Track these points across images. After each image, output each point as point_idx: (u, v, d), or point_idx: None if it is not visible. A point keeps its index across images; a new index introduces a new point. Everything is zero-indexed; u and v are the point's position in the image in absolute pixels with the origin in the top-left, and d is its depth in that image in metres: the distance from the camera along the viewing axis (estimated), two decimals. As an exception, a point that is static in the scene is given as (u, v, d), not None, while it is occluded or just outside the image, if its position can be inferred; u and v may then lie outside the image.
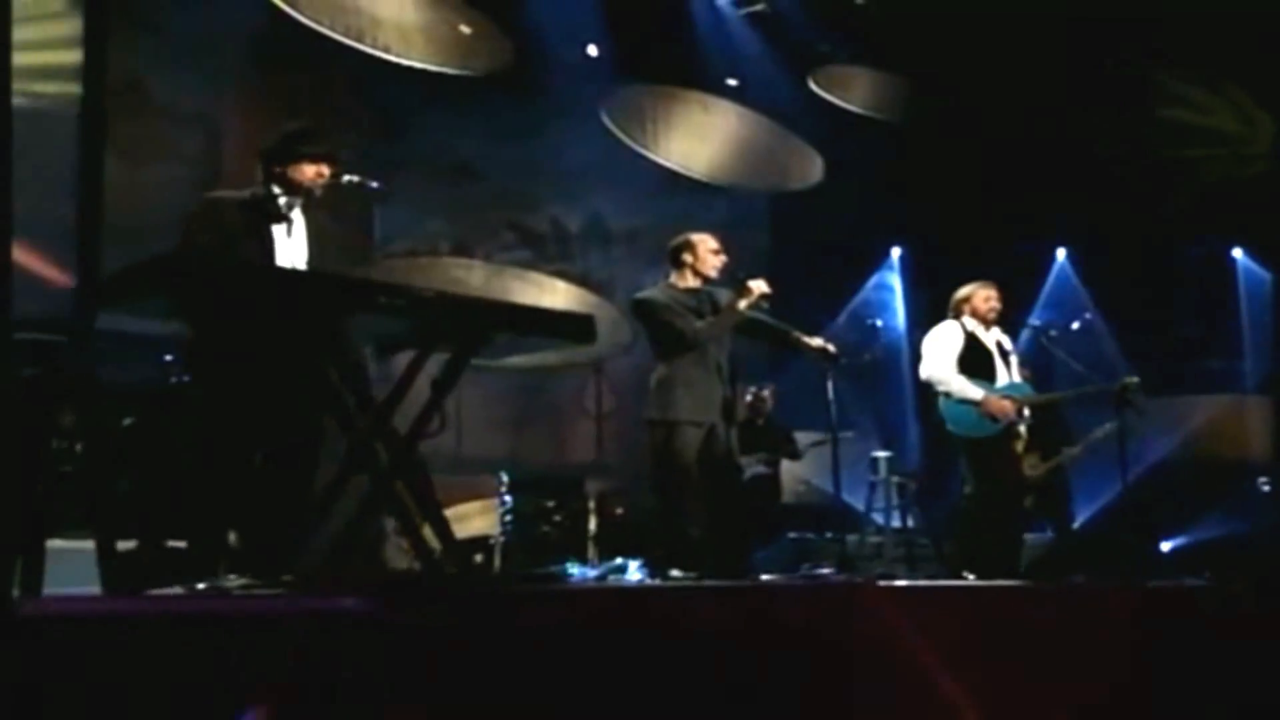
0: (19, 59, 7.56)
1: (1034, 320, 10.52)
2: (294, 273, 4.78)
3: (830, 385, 7.09)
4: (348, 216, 10.51)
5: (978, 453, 7.46)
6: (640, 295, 6.82)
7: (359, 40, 9.79)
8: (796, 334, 6.79)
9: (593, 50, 11.21)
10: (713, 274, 6.69)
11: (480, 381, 10.70)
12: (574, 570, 7.72)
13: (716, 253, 6.74)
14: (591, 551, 9.12)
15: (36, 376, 4.96)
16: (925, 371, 7.53)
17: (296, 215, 5.21)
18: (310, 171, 5.13)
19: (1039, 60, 10.91)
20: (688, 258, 6.71)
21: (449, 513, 9.32)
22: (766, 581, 5.71)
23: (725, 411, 6.55)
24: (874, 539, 9.40)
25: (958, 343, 7.50)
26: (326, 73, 10.04)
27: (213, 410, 4.97)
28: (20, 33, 7.69)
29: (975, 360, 7.49)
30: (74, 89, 9.20)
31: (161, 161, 9.76)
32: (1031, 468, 9.11)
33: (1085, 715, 4.09)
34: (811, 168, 12.28)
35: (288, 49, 9.74)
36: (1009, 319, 8.78)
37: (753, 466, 9.57)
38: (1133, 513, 10.63)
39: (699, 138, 12.04)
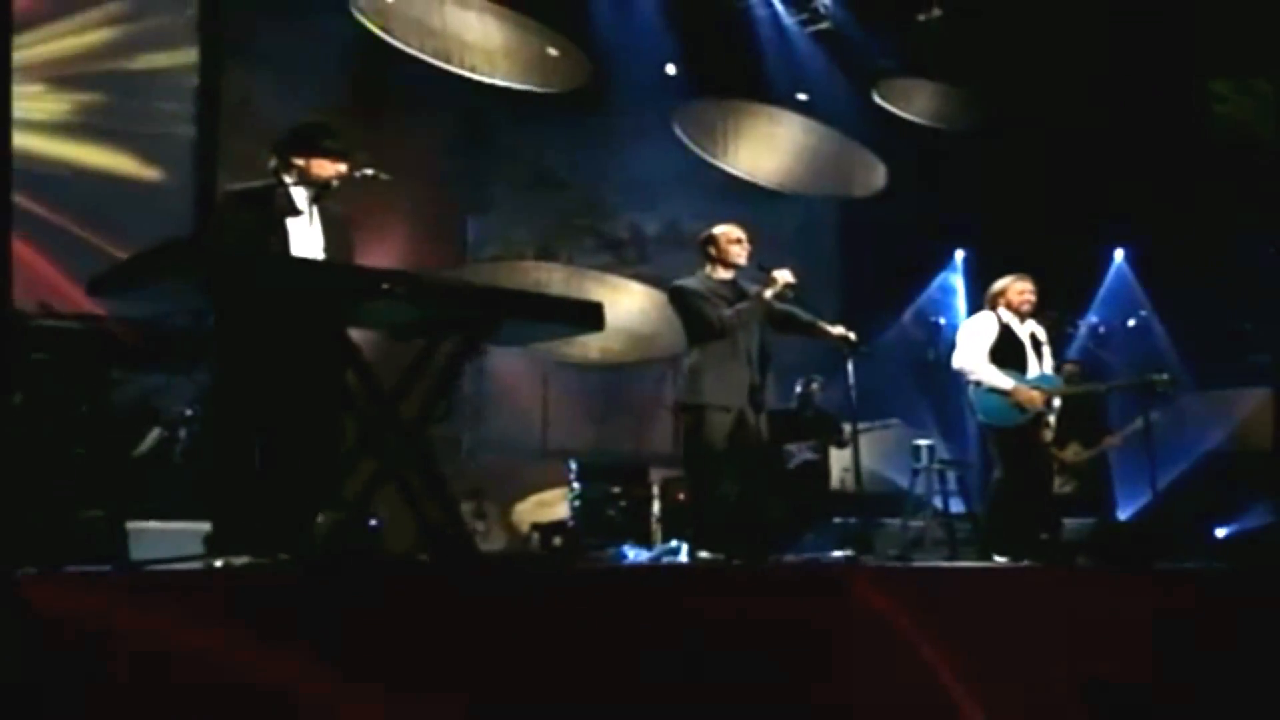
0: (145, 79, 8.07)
1: (1091, 318, 10.80)
2: (297, 260, 4.83)
3: (850, 371, 6.93)
4: (438, 225, 11.28)
5: (1006, 440, 7.40)
6: (675, 283, 6.87)
7: (447, 61, 10.15)
8: (820, 323, 6.84)
9: (671, 69, 11.50)
10: (739, 262, 6.72)
11: (566, 378, 11.33)
12: (630, 552, 7.84)
13: (738, 241, 6.75)
14: (655, 534, 9.30)
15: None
16: (957, 361, 7.52)
17: (312, 208, 5.24)
18: (328, 167, 5.17)
19: (1093, 64, 10.97)
20: (712, 250, 6.78)
21: (534, 499, 9.87)
22: (761, 564, 5.63)
23: (753, 397, 6.58)
24: (916, 523, 9.33)
25: (991, 334, 7.47)
26: (420, 93, 10.40)
27: (231, 392, 5.03)
28: (147, 60, 8.30)
29: (1008, 351, 7.43)
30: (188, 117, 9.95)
31: (264, 176, 10.23)
32: (1074, 456, 9.49)
33: (1081, 696, 4.04)
34: (875, 175, 12.48)
35: (382, 70, 10.11)
36: (1062, 317, 9.09)
37: (801, 454, 9.77)
38: (1186, 500, 10.83)
39: (767, 148, 12.28)
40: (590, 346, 11.38)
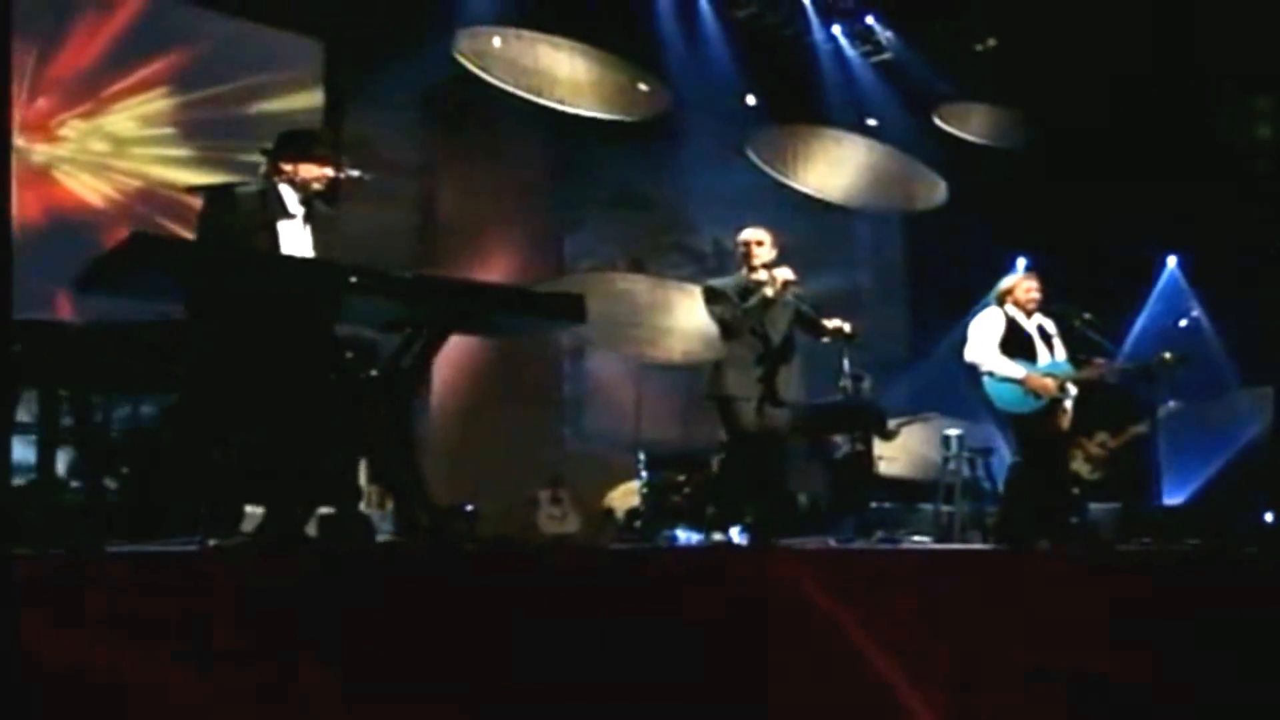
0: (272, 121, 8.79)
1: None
2: (273, 256, 4.81)
3: (846, 362, 7.37)
4: (539, 242, 11.89)
5: (1022, 427, 7.54)
6: (705, 283, 7.29)
7: (539, 95, 10.68)
8: (820, 319, 6.97)
9: (751, 100, 12.06)
10: (759, 263, 6.99)
11: (656, 377, 11.67)
12: (681, 534, 8.11)
13: (760, 244, 7.05)
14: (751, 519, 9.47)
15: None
16: (969, 354, 7.61)
17: (301, 210, 5.19)
18: (315, 171, 5.15)
19: (1142, 81, 11.28)
20: (741, 251, 7.14)
21: (624, 487, 10.39)
22: (682, 546, 5.56)
23: (773, 390, 6.74)
24: (947, 508, 9.44)
25: (1000, 328, 7.56)
26: (520, 125, 11.02)
27: (209, 377, 4.90)
28: (274, 103, 9.17)
29: (1018, 343, 7.52)
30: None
31: (385, 206, 10.45)
32: (1100, 446, 9.73)
33: (1007, 678, 3.91)
34: (936, 191, 12.77)
35: (486, 107, 10.72)
36: (1108, 319, 8.94)
37: (846, 444, 9.89)
38: (1233, 487, 11.13)
39: (833, 168, 12.65)
40: (674, 350, 11.89)
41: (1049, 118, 11.99)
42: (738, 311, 6.84)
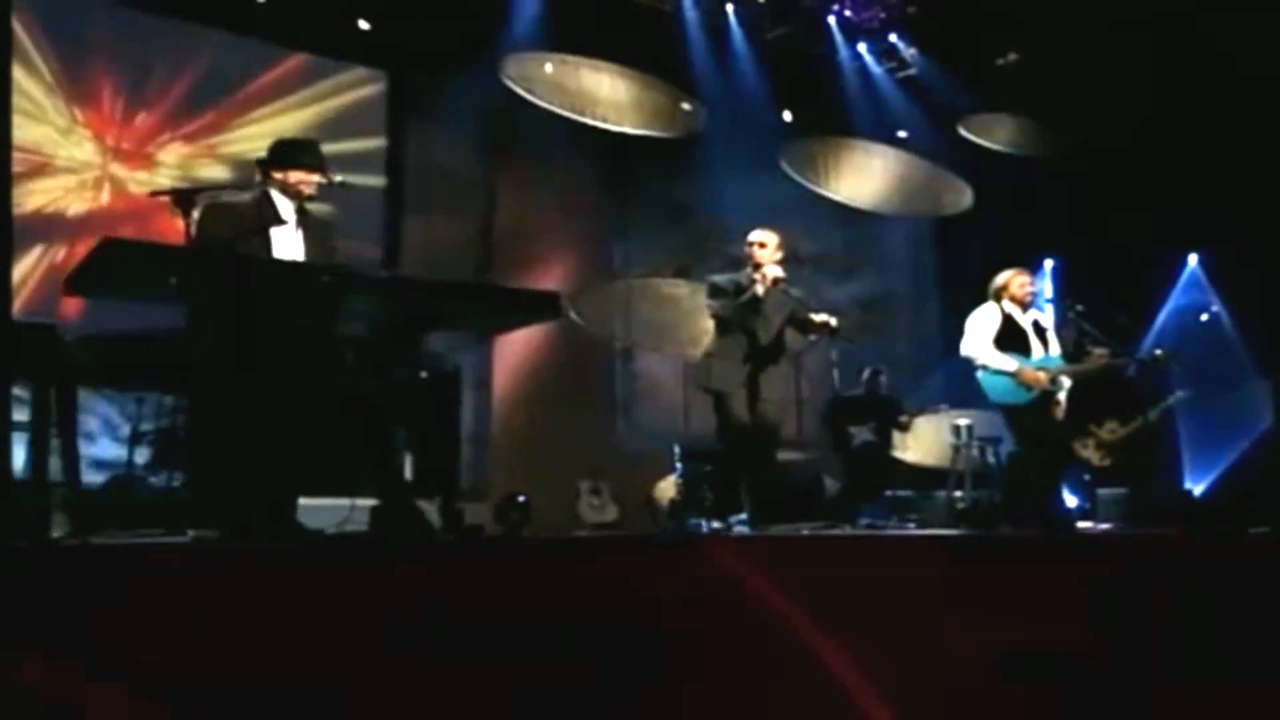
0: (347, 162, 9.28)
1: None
2: (239, 256, 4.74)
3: (834, 354, 7.57)
4: (590, 251, 12.41)
5: (1017, 418, 7.58)
6: (708, 278, 7.28)
7: (582, 115, 11.07)
8: (809, 314, 7.01)
9: (787, 115, 12.53)
10: (762, 262, 6.97)
11: (689, 372, 11.91)
12: (704, 523, 8.05)
13: (762, 245, 7.02)
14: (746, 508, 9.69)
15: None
16: (964, 349, 7.65)
17: (293, 216, 5.23)
18: (304, 178, 5.19)
19: (1161, 88, 11.19)
20: (747, 251, 7.13)
21: (670, 479, 10.67)
22: (619, 536, 5.19)
23: (751, 386, 6.81)
24: (958, 494, 9.43)
25: (995, 323, 7.59)
26: (570, 143, 11.42)
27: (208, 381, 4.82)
28: (344, 145, 9.82)
29: (1012, 337, 7.55)
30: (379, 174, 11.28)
31: (448, 219, 11.38)
32: (1110, 433, 9.68)
33: (940, 664, 3.76)
34: (963, 196, 12.92)
35: (537, 127, 11.13)
36: (1132, 322, 9.62)
37: (862, 435, 10.10)
38: (1252, 473, 11.32)
39: (863, 177, 12.85)
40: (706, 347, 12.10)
41: (1070, 125, 12.05)
42: (729, 308, 6.89)
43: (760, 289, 6.82)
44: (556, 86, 11.03)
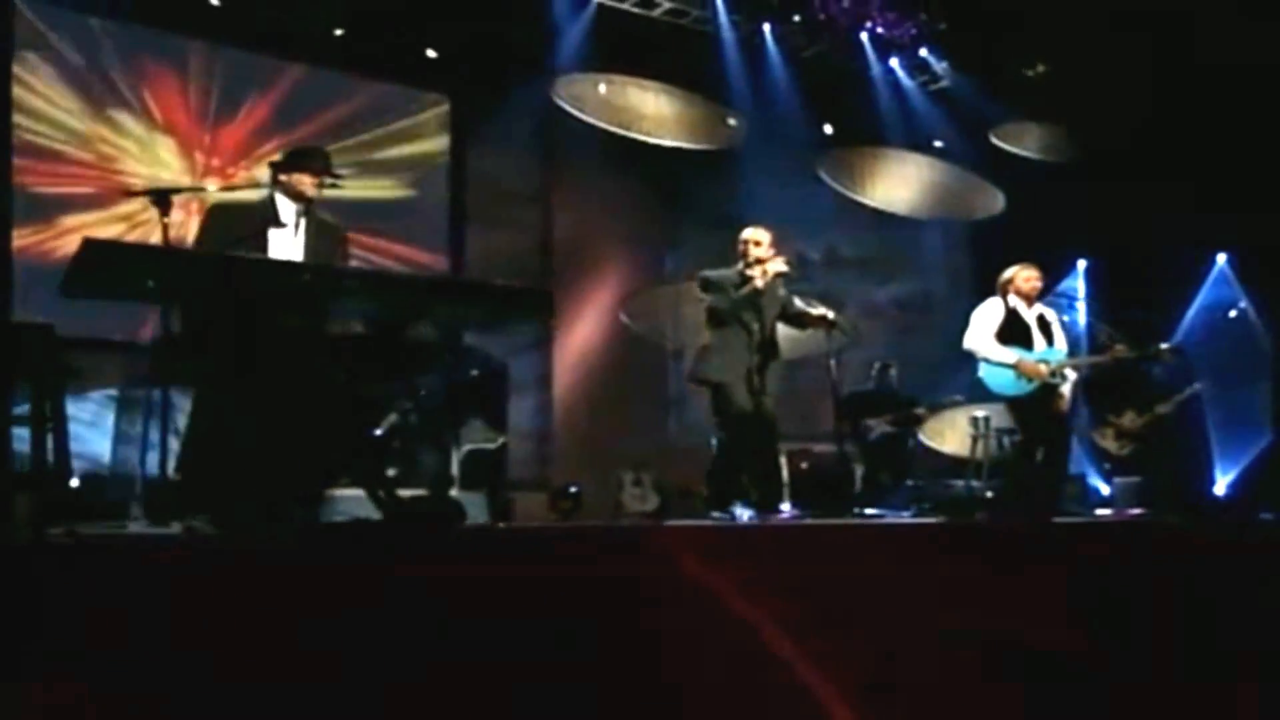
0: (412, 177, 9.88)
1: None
2: (215, 256, 4.63)
3: (832, 349, 7.42)
4: (643, 258, 12.75)
5: (1019, 409, 7.66)
6: (701, 273, 7.30)
7: (629, 130, 11.46)
8: (806, 310, 7.25)
9: (828, 128, 12.84)
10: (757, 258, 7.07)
11: None
12: (740, 512, 7.98)
13: (758, 244, 7.17)
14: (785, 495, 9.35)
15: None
16: (967, 342, 7.71)
17: (295, 219, 5.27)
18: (307, 181, 5.26)
19: (1188, 91, 11.30)
20: (740, 248, 7.24)
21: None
22: (561, 525, 5.01)
23: (750, 380, 6.81)
24: (976, 484, 9.39)
25: (998, 317, 7.66)
26: (622, 156, 11.83)
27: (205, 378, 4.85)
28: (410, 148, 10.57)
29: (1015, 331, 7.61)
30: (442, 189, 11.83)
31: (508, 231, 11.93)
32: (1130, 423, 9.84)
33: (918, 649, 3.66)
34: (994, 200, 13.04)
35: (589, 142, 11.59)
36: (1149, 318, 9.81)
37: (880, 427, 10.29)
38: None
39: (898, 183, 13.03)
40: None
41: (1099, 130, 12.17)
42: (726, 301, 6.97)
43: (760, 282, 6.94)
44: (605, 104, 11.43)
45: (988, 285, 8.02)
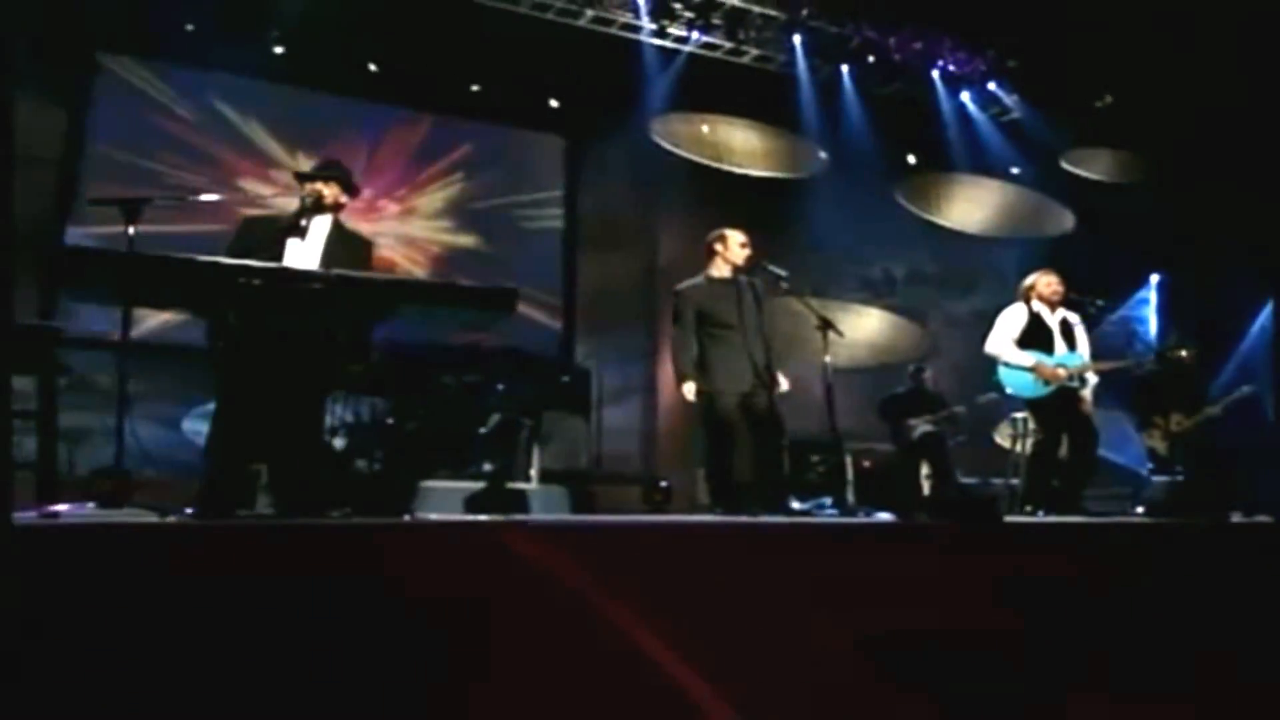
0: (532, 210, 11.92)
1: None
2: (169, 259, 4.49)
3: (826, 347, 7.12)
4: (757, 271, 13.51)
5: (1038, 410, 7.62)
6: (676, 289, 7.01)
7: (720, 162, 12.29)
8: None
9: (911, 159, 13.41)
10: (740, 263, 6.91)
11: (844, 379, 12.65)
12: (794, 504, 7.82)
13: (744, 245, 6.95)
14: (850, 492, 10.19)
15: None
16: (987, 347, 7.70)
17: (317, 228, 5.35)
18: (323, 188, 5.42)
19: (1249, 117, 11.44)
20: (719, 248, 6.92)
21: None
22: (420, 521, 4.68)
23: (760, 380, 6.64)
24: (1015, 481, 9.19)
25: (1020, 322, 7.64)
26: (719, 185, 12.54)
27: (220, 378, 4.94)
28: (530, 196, 11.78)
29: (1037, 336, 7.60)
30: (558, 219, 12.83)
31: (617, 256, 12.73)
32: (1177, 425, 9.62)
33: (794, 650, 3.42)
34: (1064, 220, 13.54)
35: (688, 174, 12.47)
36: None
37: (920, 427, 10.44)
38: None
39: (972, 206, 13.65)
40: (842, 355, 12.40)
41: (1166, 155, 12.52)
42: (677, 337, 6.89)
43: (731, 278, 6.90)
44: (697, 140, 12.28)
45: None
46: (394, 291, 4.63)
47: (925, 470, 10.58)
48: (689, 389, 6.81)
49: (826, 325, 7.07)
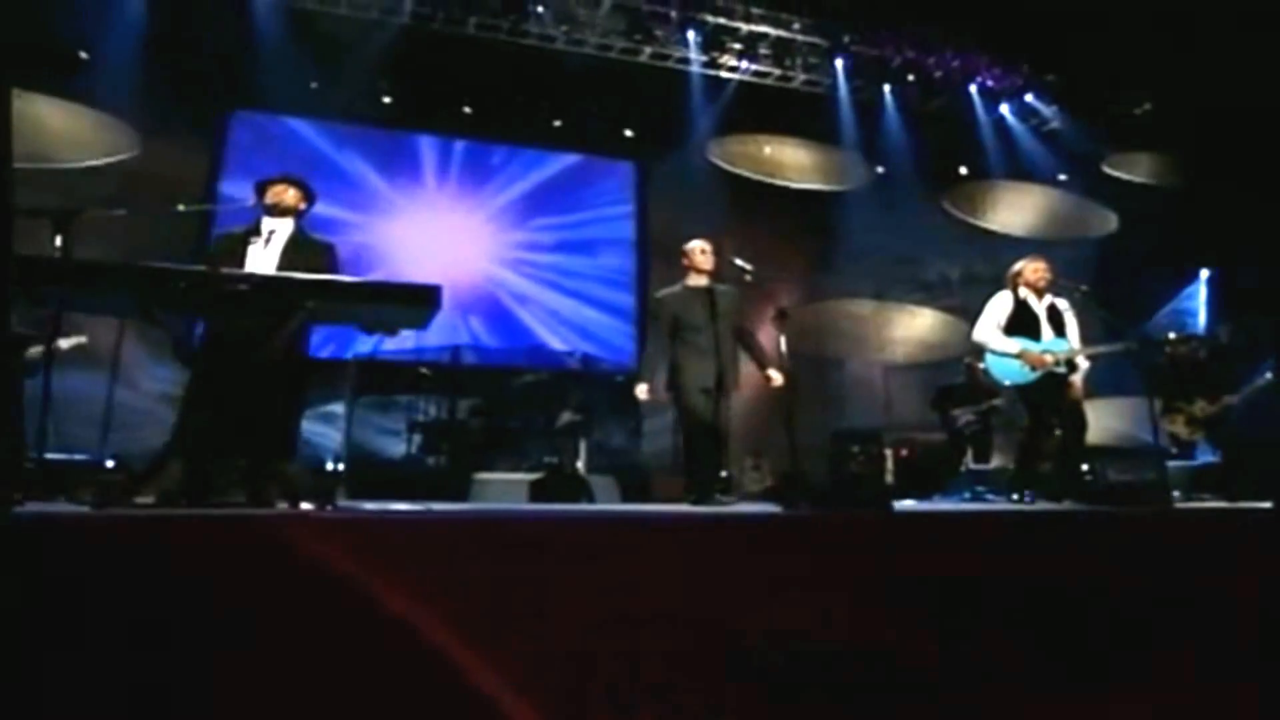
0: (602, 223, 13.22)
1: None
2: (104, 263, 4.44)
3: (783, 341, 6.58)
4: (801, 282, 13.64)
5: (1027, 396, 7.37)
6: (655, 295, 7.18)
7: (772, 177, 12.94)
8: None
9: (963, 170, 13.83)
10: (709, 269, 6.99)
11: (900, 374, 13.40)
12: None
13: (704, 253, 7.03)
14: (890, 480, 10.58)
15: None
16: (975, 334, 7.55)
17: (278, 235, 5.36)
18: (278, 192, 5.46)
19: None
20: (685, 261, 7.06)
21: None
22: (216, 511, 3.69)
23: (721, 382, 6.70)
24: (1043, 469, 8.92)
25: (1006, 309, 7.47)
26: (779, 199, 13.23)
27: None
28: (603, 212, 12.89)
29: (1023, 322, 7.44)
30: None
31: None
32: (1201, 411, 9.59)
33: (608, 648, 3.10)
34: (1107, 221, 13.81)
35: (749, 189, 13.17)
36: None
37: (965, 415, 10.28)
38: None
39: (1017, 210, 13.98)
40: (897, 352, 13.61)
41: (1205, 158, 12.60)
42: (676, 310, 6.94)
43: (706, 286, 7.01)
44: (751, 158, 13.02)
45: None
46: (315, 290, 4.50)
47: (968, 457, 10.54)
48: (641, 389, 6.96)
49: (782, 314, 6.58)
